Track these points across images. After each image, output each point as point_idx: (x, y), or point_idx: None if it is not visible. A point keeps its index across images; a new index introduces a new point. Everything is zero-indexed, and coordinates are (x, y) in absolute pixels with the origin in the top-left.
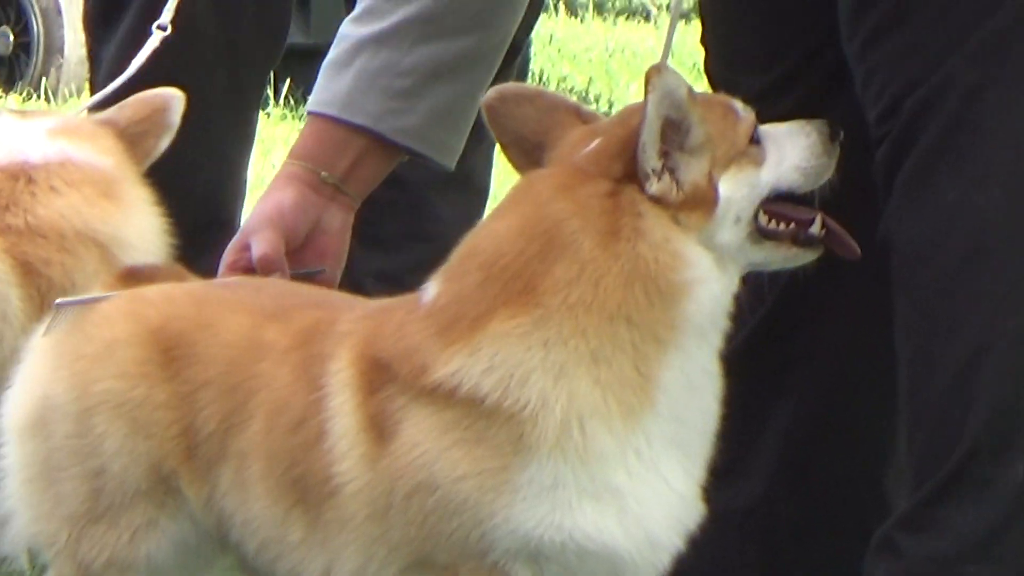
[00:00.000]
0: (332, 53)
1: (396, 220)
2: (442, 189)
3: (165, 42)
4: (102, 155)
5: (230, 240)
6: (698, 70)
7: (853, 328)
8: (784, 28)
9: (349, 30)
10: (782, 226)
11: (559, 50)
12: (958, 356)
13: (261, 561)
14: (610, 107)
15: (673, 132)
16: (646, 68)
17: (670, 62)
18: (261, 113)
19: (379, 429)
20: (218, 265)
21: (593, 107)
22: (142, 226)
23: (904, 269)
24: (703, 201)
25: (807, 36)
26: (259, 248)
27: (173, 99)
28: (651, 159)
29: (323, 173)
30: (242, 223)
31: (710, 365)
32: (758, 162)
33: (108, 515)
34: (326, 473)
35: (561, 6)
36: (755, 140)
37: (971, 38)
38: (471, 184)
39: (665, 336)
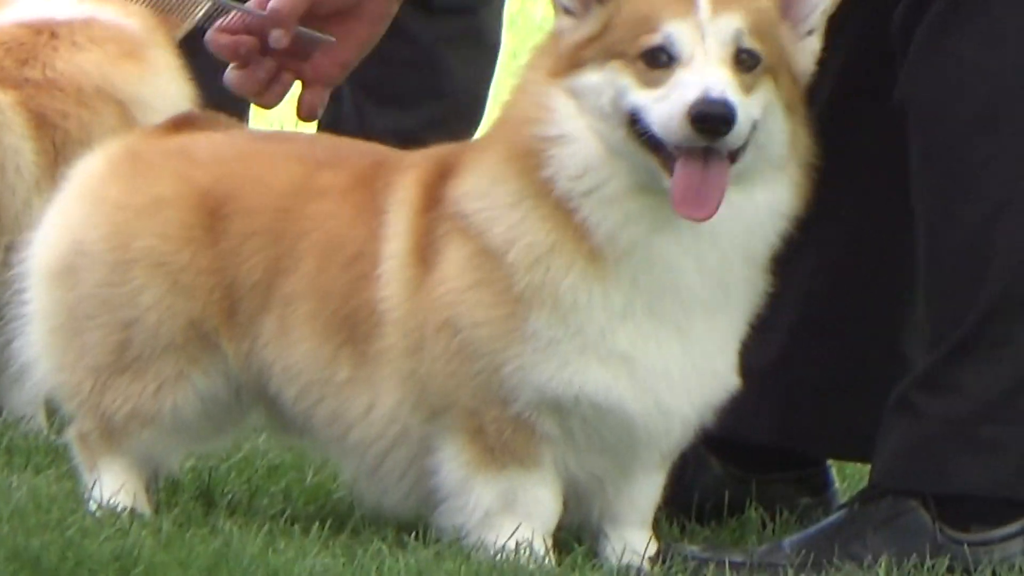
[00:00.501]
0: None
1: (410, 77)
2: (455, 45)
3: None
4: (129, 17)
5: None
6: None
7: (872, 186)
8: None
9: None
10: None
11: None
12: (975, 214)
13: (301, 407)
14: None
15: None
16: None
17: None
18: None
19: (424, 254)
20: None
21: None
22: (165, 89)
23: (920, 129)
24: (568, 66)
25: None
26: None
27: None
28: None
29: None
30: None
31: (650, 239)
32: (642, 80)
33: (135, 366)
34: (375, 300)
35: None
36: (653, 61)
37: None
38: (483, 40)
39: (552, 193)
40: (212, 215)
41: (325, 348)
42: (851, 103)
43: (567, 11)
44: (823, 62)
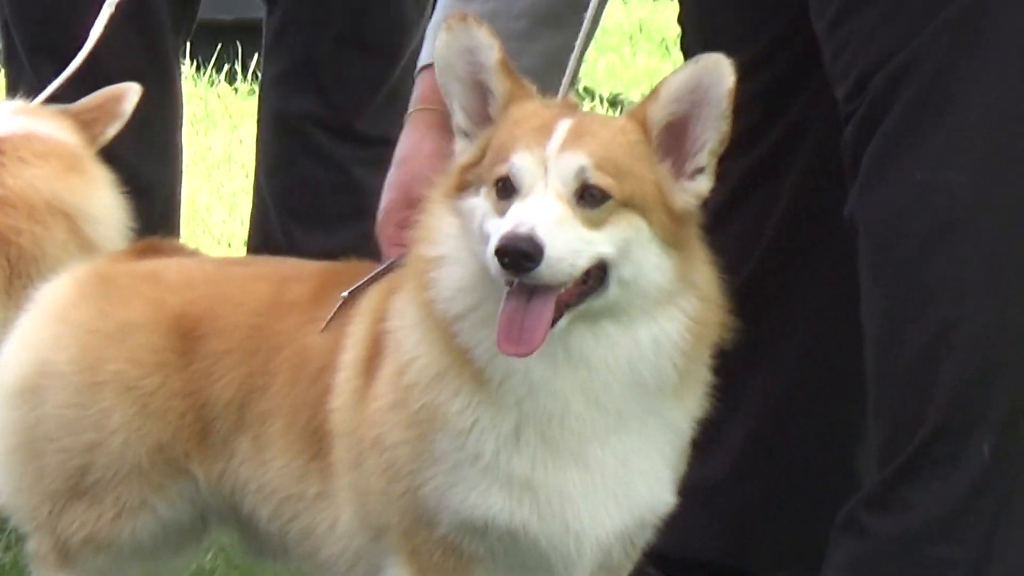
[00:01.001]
0: (437, 14)
1: (334, 200)
2: (375, 169)
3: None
4: (65, 131)
5: (149, 205)
6: (666, 46)
7: (825, 305)
8: (762, 5)
9: None
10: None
11: None
12: (923, 334)
13: (275, 525)
14: (578, 82)
15: (491, 101)
16: (614, 43)
17: (639, 39)
18: (228, 88)
19: (369, 366)
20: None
21: None
22: (106, 201)
23: (871, 247)
24: (455, 189)
25: (783, 14)
26: None
27: (129, 91)
28: (456, 113)
29: None
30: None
31: (528, 367)
32: (495, 209)
33: (93, 492)
34: (331, 411)
35: None
36: (500, 191)
37: (939, 15)
38: None
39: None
40: (184, 338)
41: (297, 463)
42: (804, 222)
43: (464, 133)
44: (778, 181)
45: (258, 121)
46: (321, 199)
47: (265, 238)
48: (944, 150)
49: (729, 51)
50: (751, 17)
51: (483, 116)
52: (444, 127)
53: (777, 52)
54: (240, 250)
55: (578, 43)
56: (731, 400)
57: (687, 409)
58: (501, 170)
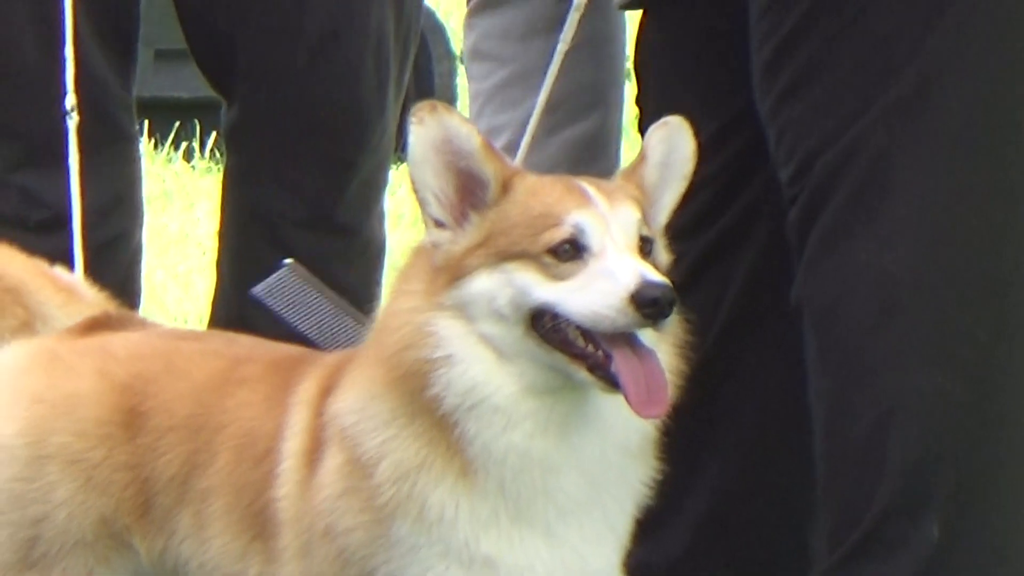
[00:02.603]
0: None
1: None
2: (343, 256)
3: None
4: None
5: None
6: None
7: (779, 385)
8: (718, 85)
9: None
10: (589, 347)
11: None
12: (869, 416)
13: None
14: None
15: (475, 186)
16: None
17: None
18: (186, 166)
19: (312, 456)
20: None
21: None
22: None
23: (816, 329)
24: (451, 277)
25: (737, 97)
26: None
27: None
28: (430, 205)
29: None
30: None
31: (529, 444)
32: (548, 274)
33: (42, 564)
34: (277, 498)
35: None
36: (563, 254)
37: (879, 100)
38: (368, 249)
39: (435, 411)
40: (130, 411)
41: (237, 543)
42: (758, 303)
43: (439, 224)
44: (732, 263)
45: (221, 210)
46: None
47: (225, 320)
48: (886, 233)
49: None
50: (706, 99)
51: (461, 204)
52: None
53: (731, 134)
54: (197, 327)
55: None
56: (686, 478)
57: (648, 470)
58: (558, 234)
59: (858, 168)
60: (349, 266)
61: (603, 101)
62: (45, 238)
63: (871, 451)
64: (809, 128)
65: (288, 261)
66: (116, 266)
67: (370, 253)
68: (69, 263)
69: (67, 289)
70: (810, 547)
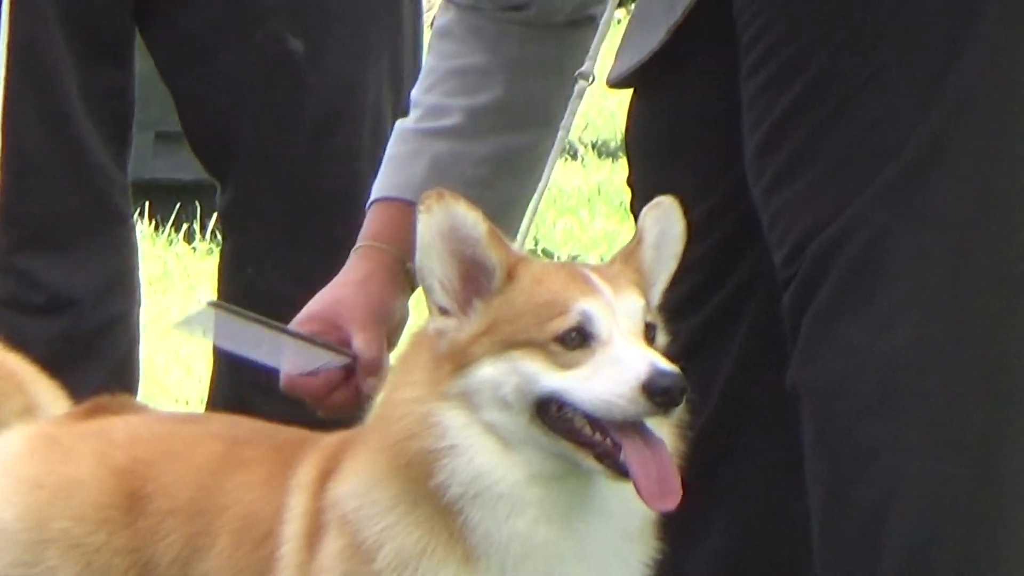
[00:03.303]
0: (394, 148)
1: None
2: None
3: None
4: None
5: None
6: (624, 208)
7: (777, 464)
8: (709, 166)
9: (411, 127)
10: (597, 435)
11: None
12: (867, 499)
13: None
14: (536, 244)
15: (479, 273)
16: (572, 205)
17: (597, 201)
18: (187, 247)
19: (312, 540)
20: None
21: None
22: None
23: (813, 414)
24: (456, 366)
25: (729, 176)
26: (368, 350)
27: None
28: (435, 292)
29: (408, 265)
30: None
31: (532, 531)
32: (555, 362)
33: None
34: None
35: None
36: (570, 342)
37: (875, 181)
38: None
39: (439, 499)
40: (130, 495)
41: None
42: (753, 382)
43: (444, 311)
44: (725, 342)
45: (218, 293)
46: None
47: (224, 402)
48: (883, 316)
49: None
50: (698, 179)
51: (466, 291)
52: (392, 270)
53: (724, 214)
54: (198, 409)
55: (533, 200)
56: (684, 557)
57: (648, 550)
58: (565, 322)
59: (853, 249)
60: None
61: (548, 123)
62: (43, 321)
63: (869, 535)
64: (803, 211)
65: (210, 299)
66: (114, 349)
67: None
68: (68, 348)
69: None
70: None
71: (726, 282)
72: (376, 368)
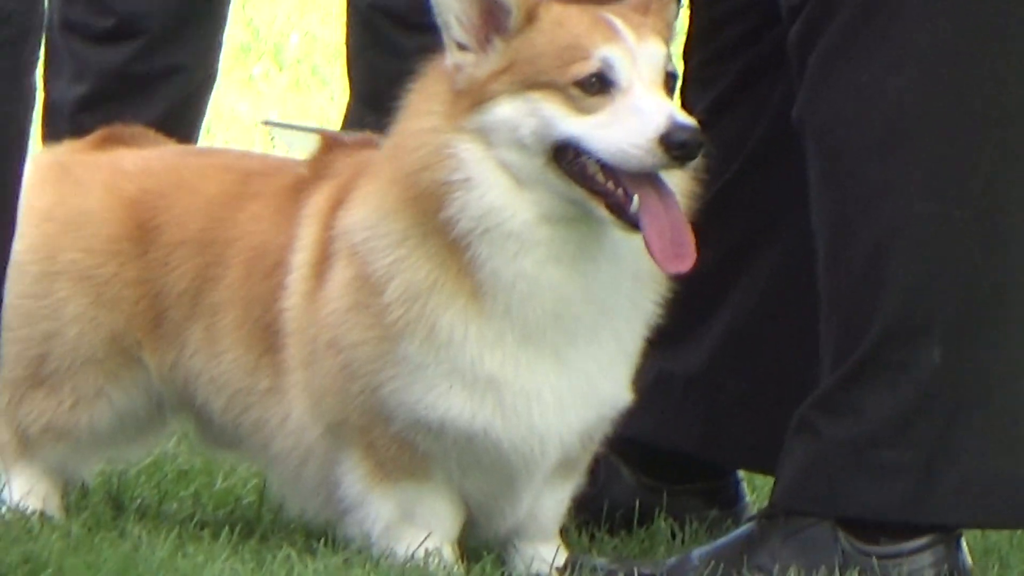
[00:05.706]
0: None
1: (399, 87)
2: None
3: None
4: None
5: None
6: None
7: (800, 217)
8: None
9: None
10: (610, 184)
11: None
12: (871, 239)
13: (228, 417)
14: None
15: (498, 11)
16: None
17: None
18: None
19: (320, 268)
20: None
21: None
22: None
23: (818, 154)
24: (474, 101)
25: None
26: None
27: None
28: (452, 27)
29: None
30: None
31: (539, 272)
32: (574, 107)
33: (51, 381)
34: (284, 310)
35: None
36: (590, 87)
37: None
38: None
39: (448, 233)
40: (140, 227)
41: (248, 357)
42: (781, 137)
43: (462, 47)
44: (772, 84)
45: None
46: (388, 86)
47: (344, 125)
48: (890, 55)
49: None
50: None
51: (484, 28)
52: None
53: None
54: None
55: None
56: (712, 297)
57: (659, 289)
58: (586, 67)
59: None
60: None
61: None
62: (108, 48)
63: (871, 274)
64: None
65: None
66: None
67: None
68: (127, 79)
69: None
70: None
71: (776, 25)
72: None
